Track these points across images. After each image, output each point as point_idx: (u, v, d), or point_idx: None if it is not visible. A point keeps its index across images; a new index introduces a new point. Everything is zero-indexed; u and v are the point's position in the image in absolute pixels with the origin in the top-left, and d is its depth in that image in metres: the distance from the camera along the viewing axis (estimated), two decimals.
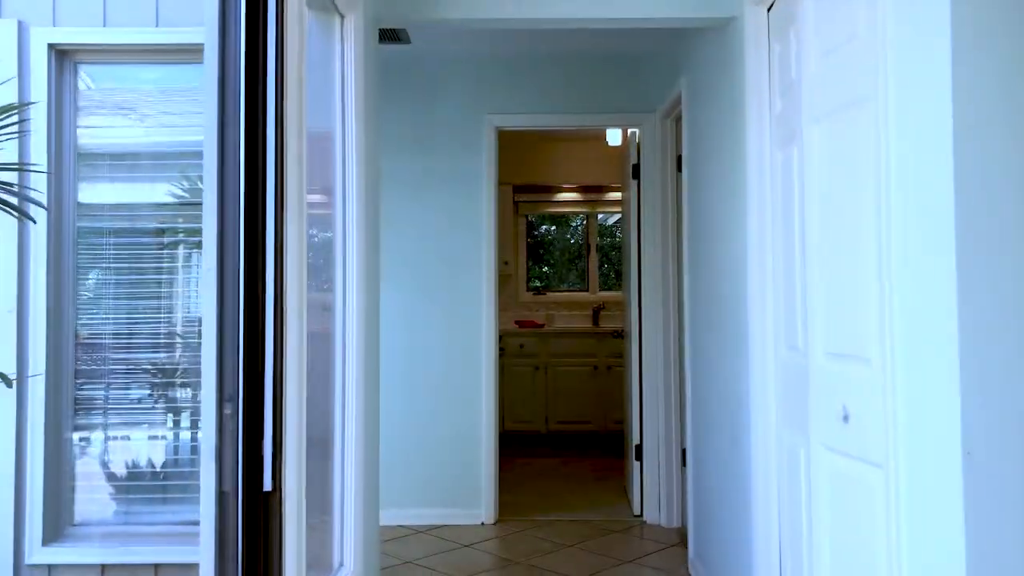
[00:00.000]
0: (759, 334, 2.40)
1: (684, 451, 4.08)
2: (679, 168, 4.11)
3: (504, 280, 6.86)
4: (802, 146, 2.06)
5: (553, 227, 7.41)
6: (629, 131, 5.65)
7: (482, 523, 4.16)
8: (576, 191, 6.97)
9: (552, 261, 7.33)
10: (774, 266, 2.35)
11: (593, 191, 6.97)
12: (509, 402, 6.26)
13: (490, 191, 4.19)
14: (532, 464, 5.66)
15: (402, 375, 4.16)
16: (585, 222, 7.18)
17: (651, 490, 4.18)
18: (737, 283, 2.63)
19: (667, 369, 4.11)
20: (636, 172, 4.31)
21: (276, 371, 1.35)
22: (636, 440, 4.25)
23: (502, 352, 5.61)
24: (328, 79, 2.28)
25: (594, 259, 7.09)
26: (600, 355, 6.32)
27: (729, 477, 2.76)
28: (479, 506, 4.17)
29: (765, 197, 2.40)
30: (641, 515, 4.25)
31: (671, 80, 3.86)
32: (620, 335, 4.92)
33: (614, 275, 7.30)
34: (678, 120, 4.11)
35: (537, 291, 7.02)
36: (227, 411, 1.26)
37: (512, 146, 6.65)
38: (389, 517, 3.96)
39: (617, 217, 7.46)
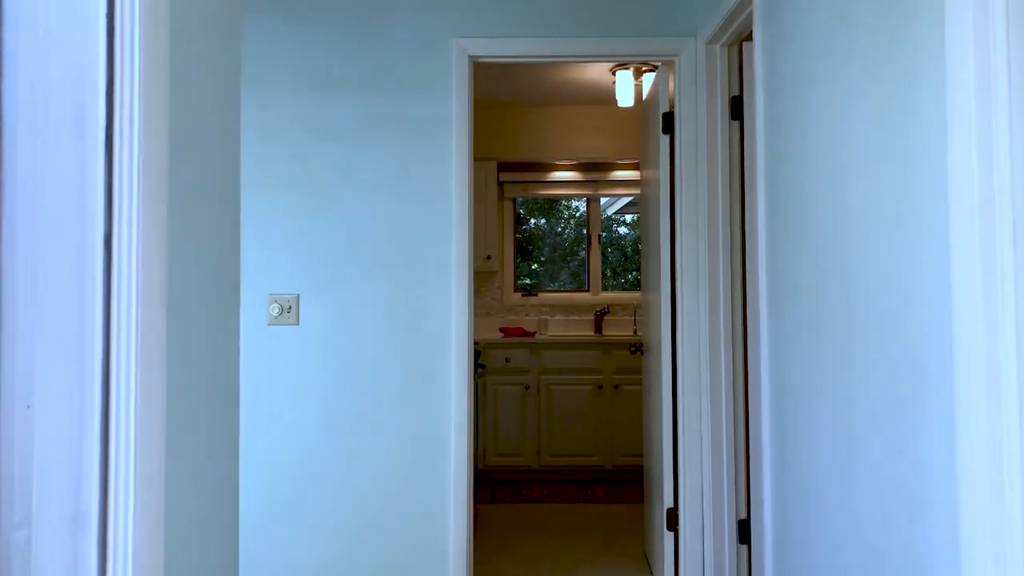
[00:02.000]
0: (984, 377, 1.15)
1: (743, 523, 2.83)
2: (735, 115, 2.87)
3: (486, 278, 5.60)
4: None
5: (543, 219, 6.16)
6: (644, 74, 4.41)
7: None
8: (575, 170, 5.72)
9: (543, 258, 6.07)
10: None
11: (596, 169, 5.73)
12: (492, 431, 5.00)
13: (462, 149, 2.93)
14: (519, 512, 4.40)
15: (323, 414, 2.90)
16: (586, 207, 5.93)
17: (692, 571, 2.93)
18: (911, 280, 1.39)
19: (718, 401, 2.87)
20: (668, 124, 3.07)
21: None
22: (668, 501, 3.01)
23: (481, 370, 4.34)
24: None
25: (596, 252, 5.84)
26: (605, 371, 5.07)
27: None
28: None
29: (996, 123, 1.15)
30: None
31: None
32: (638, 349, 3.67)
33: (614, 273, 6.06)
34: (735, 45, 2.86)
35: (527, 291, 5.77)
36: None
37: (495, 113, 5.40)
38: None
39: (625, 202, 6.23)
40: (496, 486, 4.98)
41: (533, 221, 6.12)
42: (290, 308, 2.93)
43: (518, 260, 5.87)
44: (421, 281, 2.94)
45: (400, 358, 2.92)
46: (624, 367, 5.05)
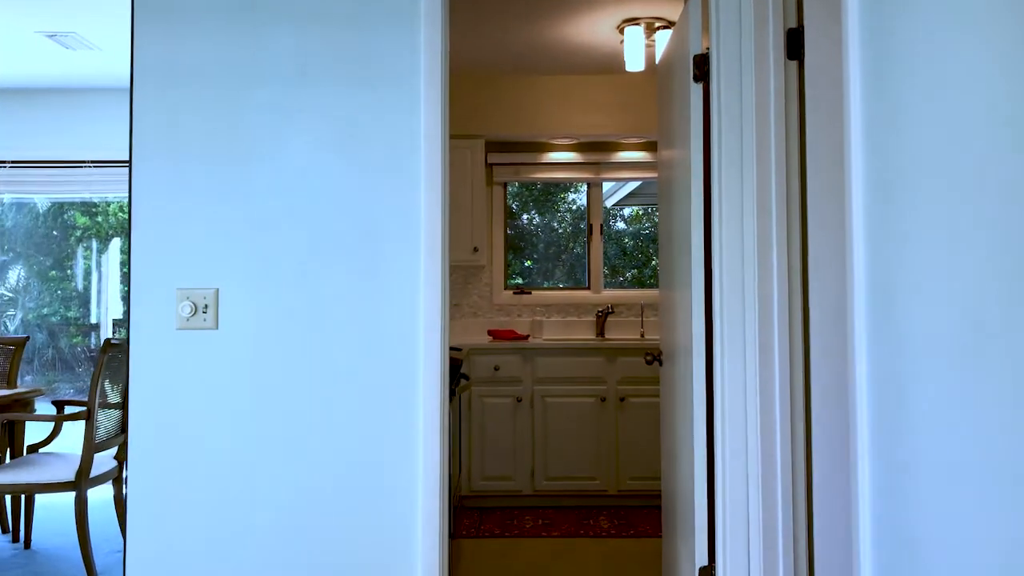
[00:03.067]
0: None
1: None
2: (792, 54, 2.18)
3: (472, 273, 4.90)
4: None
5: (536, 214, 5.46)
6: (657, 32, 3.73)
7: None
8: (574, 150, 5.02)
9: (536, 255, 5.36)
10: None
11: (598, 149, 5.03)
12: (478, 451, 4.31)
13: (434, 102, 2.23)
14: (509, 549, 3.70)
15: (251, 450, 2.20)
16: (586, 194, 5.23)
17: None
18: None
19: (771, 432, 2.18)
20: (702, 69, 2.38)
21: None
22: (701, 557, 2.32)
23: (464, 380, 3.64)
24: None
25: (597, 245, 5.15)
26: (609, 380, 4.38)
27: None
28: None
29: None
30: None
31: None
32: (655, 359, 2.98)
33: (612, 270, 5.37)
34: None
35: (519, 289, 5.07)
36: None
37: (482, 85, 4.70)
38: None
39: (627, 192, 5.54)
40: (483, 515, 4.28)
41: (526, 217, 5.42)
42: (206, 307, 2.22)
43: (509, 256, 5.17)
44: (379, 273, 2.24)
45: (352, 371, 2.22)
46: (631, 376, 4.36)
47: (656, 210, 5.72)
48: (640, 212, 5.64)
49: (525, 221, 5.42)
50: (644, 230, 5.62)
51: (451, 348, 3.88)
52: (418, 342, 2.23)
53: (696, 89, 2.40)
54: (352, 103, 2.25)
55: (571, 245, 5.34)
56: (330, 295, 2.23)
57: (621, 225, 5.63)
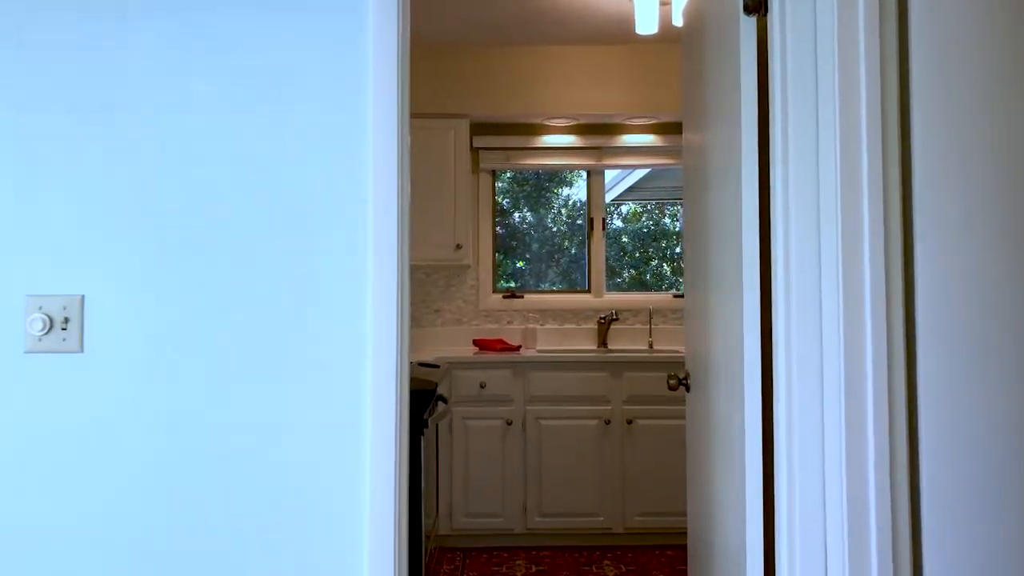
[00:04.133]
0: None
1: None
2: None
3: (455, 275, 4.27)
4: None
5: (528, 211, 4.82)
6: None
7: None
8: (572, 132, 4.39)
9: (528, 256, 4.71)
10: None
11: (599, 132, 4.40)
12: (461, 483, 3.69)
13: (387, 38, 1.59)
14: None
15: (124, 522, 1.56)
16: (586, 182, 4.59)
17: None
18: None
19: (861, 485, 1.54)
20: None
21: None
22: None
23: (439, 406, 3.00)
24: None
25: (599, 241, 4.52)
26: (615, 399, 3.76)
27: None
28: None
29: None
30: None
31: None
32: (682, 383, 2.35)
33: (609, 271, 4.75)
34: None
35: (510, 293, 4.44)
36: None
37: (466, 57, 4.06)
38: None
39: (632, 181, 4.92)
40: (467, 557, 3.65)
41: (518, 215, 4.78)
42: (66, 321, 1.58)
43: (498, 255, 4.54)
44: (309, 276, 1.60)
45: (269, 407, 1.58)
46: (640, 395, 3.74)
47: (657, 207, 5.10)
48: (639, 210, 5.02)
49: (517, 220, 4.79)
50: (643, 229, 4.99)
51: (425, 364, 3.25)
52: (364, 367, 1.59)
53: (747, 26, 1.76)
54: (269, 50, 1.61)
55: (566, 245, 4.71)
56: (240, 304, 1.59)
57: (618, 223, 4.99)
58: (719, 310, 1.97)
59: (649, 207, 5.02)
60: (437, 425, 3.39)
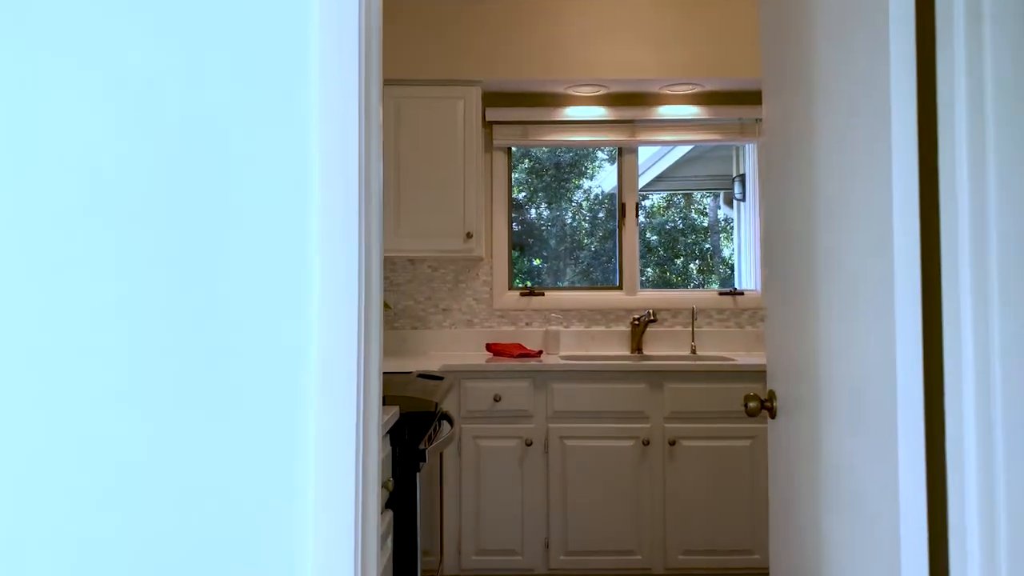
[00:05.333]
0: None
1: None
2: None
3: (465, 268, 3.69)
4: None
5: (545, 206, 4.21)
6: None
7: None
8: (601, 103, 3.79)
9: (546, 252, 4.10)
10: None
11: (633, 103, 3.80)
12: (472, 513, 3.10)
13: None
14: None
15: None
16: (617, 163, 3.98)
17: None
18: None
19: None
20: None
21: None
22: None
23: (444, 427, 2.41)
24: None
25: (632, 231, 3.92)
26: (654, 415, 3.15)
27: None
28: None
29: None
30: None
31: None
32: (765, 406, 1.75)
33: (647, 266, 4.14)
34: None
35: (529, 290, 3.84)
36: None
37: (477, 13, 3.47)
38: None
39: (670, 164, 4.32)
40: None
41: (534, 211, 4.18)
42: None
43: (513, 252, 3.95)
44: (229, 273, 1.03)
45: (172, 455, 1.01)
46: (685, 410, 3.13)
47: (684, 199, 4.50)
48: (662, 204, 4.40)
49: (533, 216, 4.18)
50: (668, 223, 4.39)
51: (427, 375, 2.66)
52: (306, 404, 1.01)
53: None
54: None
55: (586, 242, 4.11)
56: (118, 298, 1.02)
57: (641, 218, 4.34)
58: (833, 315, 1.37)
59: (676, 199, 4.42)
60: (439, 464, 2.81)
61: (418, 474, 2.02)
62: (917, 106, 1.13)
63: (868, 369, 1.22)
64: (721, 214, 4.44)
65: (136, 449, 1.02)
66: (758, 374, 3.13)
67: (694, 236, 4.39)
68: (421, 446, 1.99)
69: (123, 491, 1.01)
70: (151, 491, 1.02)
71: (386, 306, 3.56)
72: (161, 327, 1.02)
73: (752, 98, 3.72)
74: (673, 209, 4.47)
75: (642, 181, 4.30)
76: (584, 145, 3.88)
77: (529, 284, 3.96)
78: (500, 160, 3.85)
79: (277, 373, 1.01)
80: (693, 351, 3.68)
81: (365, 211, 1.05)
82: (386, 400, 2.01)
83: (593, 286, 3.95)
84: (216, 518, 1.02)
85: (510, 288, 3.85)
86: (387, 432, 1.92)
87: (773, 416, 1.76)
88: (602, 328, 3.77)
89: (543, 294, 3.80)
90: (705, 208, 4.49)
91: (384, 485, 1.76)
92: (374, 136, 1.10)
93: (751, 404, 1.73)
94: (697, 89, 3.66)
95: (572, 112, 3.77)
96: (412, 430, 2.02)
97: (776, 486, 1.75)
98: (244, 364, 1.01)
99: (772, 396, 1.75)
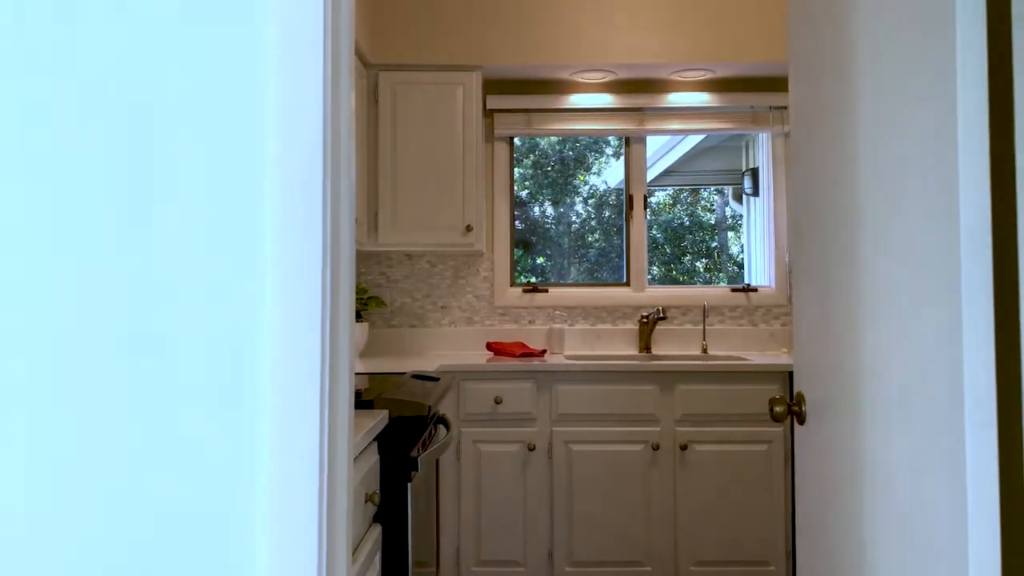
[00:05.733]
0: None
1: None
2: None
3: (465, 264, 3.53)
4: None
5: (548, 203, 4.03)
6: None
7: None
8: (608, 91, 3.62)
9: (549, 249, 3.93)
10: None
11: (641, 89, 3.63)
12: (471, 522, 2.94)
13: None
14: None
15: None
16: (624, 153, 3.81)
17: None
18: None
19: None
20: None
21: None
22: None
23: (435, 431, 2.24)
24: None
25: (640, 224, 3.75)
26: (664, 418, 2.98)
27: None
28: None
29: None
30: None
31: None
32: (793, 412, 1.58)
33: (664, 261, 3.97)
34: None
35: (532, 287, 3.67)
36: None
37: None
38: None
39: (678, 158, 4.16)
40: None
41: (538, 209, 4.01)
42: None
43: (516, 250, 3.78)
44: (170, 267, 0.86)
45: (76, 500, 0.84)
46: (697, 413, 2.96)
47: (691, 195, 4.33)
48: (668, 200, 4.23)
49: (537, 214, 4.01)
50: (674, 220, 4.22)
51: (422, 376, 2.49)
52: (260, 455, 0.85)
53: None
54: None
55: (590, 239, 3.93)
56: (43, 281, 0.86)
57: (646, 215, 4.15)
58: (879, 312, 1.20)
59: (682, 195, 4.25)
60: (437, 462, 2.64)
61: (409, 484, 1.85)
62: (988, 84, 0.97)
63: (915, 376, 1.05)
64: (729, 211, 4.27)
65: (58, 447, 0.85)
66: (774, 375, 2.96)
67: (701, 233, 4.22)
68: (413, 453, 1.82)
69: (44, 492, 0.85)
70: (75, 492, 0.85)
71: (382, 303, 3.39)
72: (82, 314, 0.86)
73: (765, 84, 3.54)
74: (679, 206, 4.30)
75: (648, 176, 4.14)
76: (590, 134, 3.71)
77: (534, 279, 3.79)
78: (502, 150, 3.68)
79: (215, 366, 0.85)
80: (704, 350, 3.51)
81: (325, 188, 0.88)
82: (375, 404, 1.84)
83: (598, 283, 3.78)
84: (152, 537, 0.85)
85: (512, 284, 3.68)
86: (374, 439, 1.75)
87: (801, 422, 1.58)
88: (608, 326, 3.60)
89: (547, 291, 3.64)
90: (712, 205, 4.32)
91: (369, 499, 1.59)
92: (343, 73, 0.93)
93: (777, 408, 1.55)
94: (708, 75, 3.49)
95: (577, 100, 3.60)
96: (403, 436, 1.85)
97: (806, 495, 1.58)
98: (178, 355, 0.85)
99: (800, 399, 1.58)
